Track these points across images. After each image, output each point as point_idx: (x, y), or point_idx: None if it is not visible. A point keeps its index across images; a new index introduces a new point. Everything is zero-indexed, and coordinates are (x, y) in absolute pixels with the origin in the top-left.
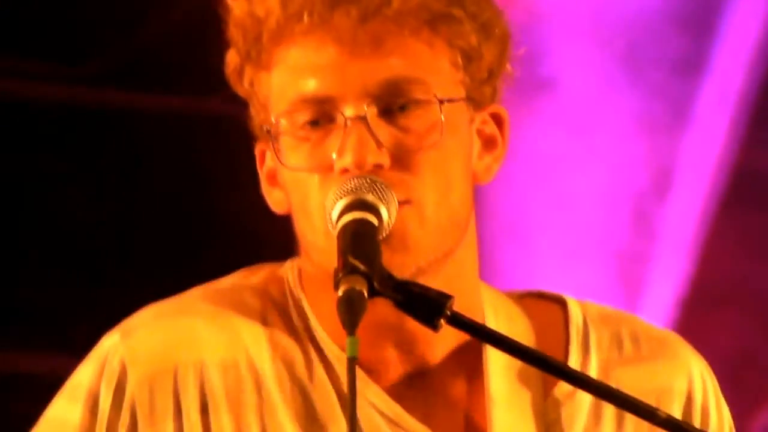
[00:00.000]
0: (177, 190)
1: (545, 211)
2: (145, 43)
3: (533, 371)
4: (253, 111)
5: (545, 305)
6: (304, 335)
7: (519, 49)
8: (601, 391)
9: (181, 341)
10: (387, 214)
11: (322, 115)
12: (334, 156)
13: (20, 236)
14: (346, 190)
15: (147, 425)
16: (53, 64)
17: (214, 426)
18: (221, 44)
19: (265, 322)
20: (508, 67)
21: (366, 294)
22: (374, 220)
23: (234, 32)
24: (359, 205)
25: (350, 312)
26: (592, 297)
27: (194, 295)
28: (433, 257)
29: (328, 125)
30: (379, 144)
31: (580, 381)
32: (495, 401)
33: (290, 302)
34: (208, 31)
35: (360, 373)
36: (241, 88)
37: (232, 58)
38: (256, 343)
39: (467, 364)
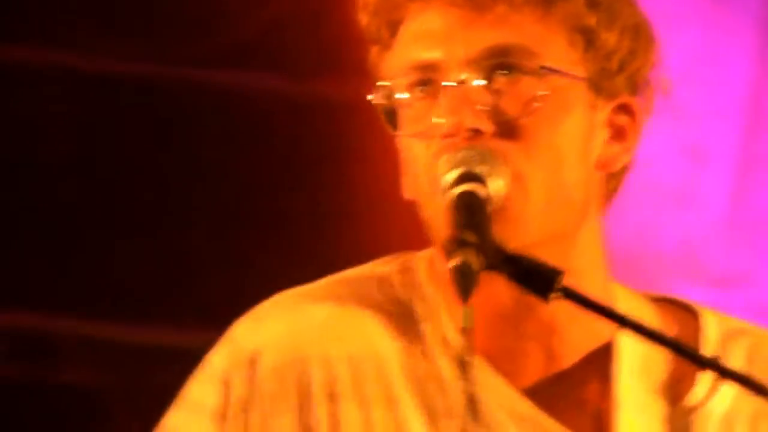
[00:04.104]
0: (293, 175)
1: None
2: (262, 24)
3: (664, 379)
4: None
5: (678, 313)
6: (428, 328)
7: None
8: (739, 379)
9: (308, 333)
10: (497, 185)
11: (427, 82)
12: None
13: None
14: (455, 161)
15: (276, 412)
16: (165, 45)
17: (341, 417)
18: (336, 27)
19: (388, 315)
20: (649, 68)
21: (477, 267)
22: (484, 192)
23: (363, 14)
24: (468, 177)
25: (463, 283)
26: None
27: (322, 285)
28: (540, 236)
29: (433, 94)
30: (478, 109)
31: (712, 366)
32: (623, 405)
33: (416, 294)
34: (324, 14)
35: (488, 369)
36: (379, 81)
37: (372, 52)
38: (380, 337)
39: (599, 368)
